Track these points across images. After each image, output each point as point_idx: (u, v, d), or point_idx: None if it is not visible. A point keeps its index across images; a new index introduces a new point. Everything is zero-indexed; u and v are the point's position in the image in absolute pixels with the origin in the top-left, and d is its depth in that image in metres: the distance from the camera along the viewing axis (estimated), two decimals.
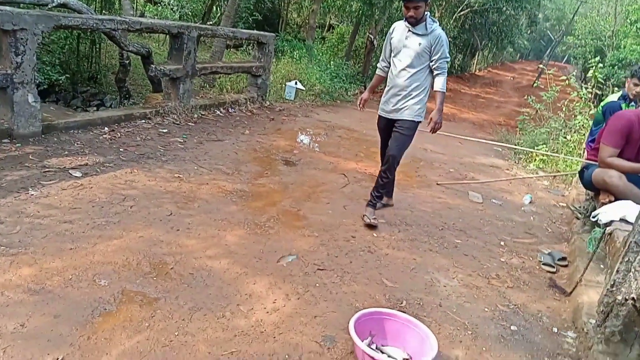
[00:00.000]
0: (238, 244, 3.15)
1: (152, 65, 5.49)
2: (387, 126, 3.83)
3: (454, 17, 17.01)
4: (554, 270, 3.59)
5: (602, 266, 3.35)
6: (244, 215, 3.61)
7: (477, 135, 9.08)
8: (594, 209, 4.03)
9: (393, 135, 3.71)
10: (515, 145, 7.61)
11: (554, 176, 5.98)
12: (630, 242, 2.36)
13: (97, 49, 10.67)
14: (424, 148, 6.76)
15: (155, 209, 3.42)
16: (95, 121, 4.85)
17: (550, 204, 5.23)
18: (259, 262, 2.98)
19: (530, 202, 5.10)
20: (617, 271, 2.43)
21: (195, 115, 5.96)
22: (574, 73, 12.40)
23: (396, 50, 3.54)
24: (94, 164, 4.00)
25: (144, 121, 5.32)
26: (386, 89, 3.73)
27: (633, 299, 2.27)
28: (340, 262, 3.18)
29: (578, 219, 4.47)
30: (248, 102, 7.07)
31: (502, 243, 3.97)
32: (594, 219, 3.24)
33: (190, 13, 14.62)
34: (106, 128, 4.88)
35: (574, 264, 3.59)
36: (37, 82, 4.47)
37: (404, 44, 3.43)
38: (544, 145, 7.29)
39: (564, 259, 3.76)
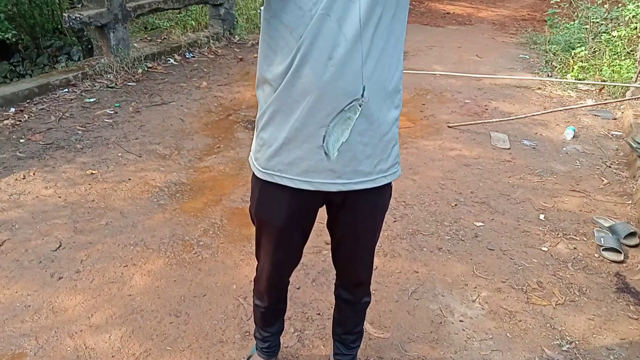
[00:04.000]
0: (149, 291, 2.13)
1: (64, 14, 4.25)
2: (305, 212, 1.37)
3: None
4: (621, 258, 2.48)
5: None
6: (171, 229, 2.56)
7: (498, 41, 7.57)
8: None
9: (349, 237, 1.43)
10: (583, 79, 6.16)
11: (606, 103, 4.64)
12: None
13: None
14: (431, 71, 5.42)
15: (38, 242, 2.39)
16: None
17: (599, 135, 3.98)
18: (172, 326, 1.97)
19: (573, 137, 3.86)
20: None
21: (140, 71, 4.75)
22: None
23: None
24: None
25: (66, 90, 4.17)
26: (274, 106, 1.23)
27: None
28: (305, 297, 2.15)
29: None
30: (211, 41, 5.76)
31: (541, 217, 2.83)
32: None
33: None
34: (12, 109, 3.77)
35: None
36: None
37: None
38: (582, 48, 5.83)
39: (632, 234, 2.62)
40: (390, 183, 1.35)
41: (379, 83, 1.17)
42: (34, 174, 2.97)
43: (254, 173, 1.35)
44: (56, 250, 2.35)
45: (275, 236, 1.41)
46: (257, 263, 1.55)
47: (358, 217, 1.37)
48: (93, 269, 2.24)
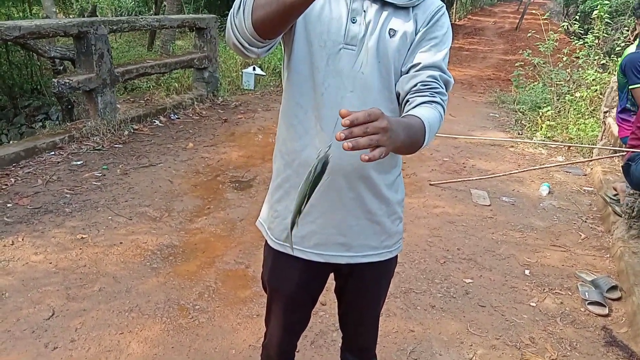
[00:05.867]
0: (147, 358, 2.11)
1: (54, 80, 4.32)
2: (316, 281, 1.43)
3: None
4: (606, 312, 2.57)
5: None
6: (166, 293, 2.55)
7: (468, 100, 7.97)
8: None
9: (356, 304, 1.48)
10: (568, 142, 6.51)
11: (575, 162, 4.92)
12: None
13: (30, 56, 9.35)
14: None
15: (30, 311, 2.35)
16: None
17: (572, 191, 4.19)
18: None
19: (548, 193, 4.06)
20: None
21: (126, 132, 4.82)
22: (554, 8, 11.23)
23: (319, 54, 1.19)
24: None
25: (52, 153, 4.18)
26: (283, 176, 1.33)
27: None
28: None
29: (618, 214, 3.44)
30: (195, 103, 5.90)
31: (526, 272, 2.94)
32: None
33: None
34: None
35: (631, 299, 2.58)
36: None
37: (349, 34, 1.17)
38: (549, 107, 6.20)
39: (614, 288, 2.74)
40: (396, 255, 1.43)
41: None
42: (22, 239, 2.94)
43: (266, 242, 1.41)
44: (49, 318, 2.30)
45: (286, 303, 1.45)
46: (265, 329, 1.57)
47: (365, 286, 1.43)
48: (88, 337, 2.20)
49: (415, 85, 1.16)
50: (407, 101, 1.17)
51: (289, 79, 1.25)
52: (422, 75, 1.16)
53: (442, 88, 1.17)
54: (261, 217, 1.46)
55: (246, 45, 1.05)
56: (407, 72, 1.19)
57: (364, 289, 1.45)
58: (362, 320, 1.54)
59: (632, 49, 3.34)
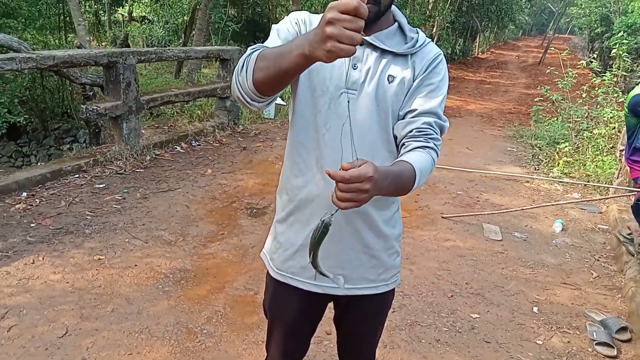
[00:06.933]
0: None
1: (82, 106, 4.54)
2: (314, 310, 1.50)
3: (449, 1, 15.88)
4: (614, 353, 2.54)
5: None
6: (175, 316, 2.62)
7: (487, 133, 8.00)
8: None
9: (353, 334, 1.56)
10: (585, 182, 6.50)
11: (591, 200, 4.89)
12: None
13: (63, 81, 9.74)
14: None
15: (45, 328, 2.44)
16: (9, 187, 3.89)
17: (586, 228, 4.15)
18: None
19: (562, 230, 4.04)
20: None
21: (148, 158, 4.98)
22: (579, 43, 11.29)
23: (322, 98, 1.27)
24: None
25: (77, 176, 4.36)
26: (291, 207, 1.40)
27: None
28: None
29: (631, 254, 3.41)
30: (216, 131, 6.08)
31: (535, 309, 2.92)
32: None
33: (173, 28, 13.77)
34: (24, 193, 3.92)
35: None
36: None
37: (350, 80, 1.25)
38: (566, 143, 6.19)
39: (624, 329, 2.71)
40: (393, 288, 1.48)
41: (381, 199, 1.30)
42: (43, 258, 3.06)
43: (268, 272, 1.48)
44: (62, 337, 2.39)
45: (286, 329, 1.52)
46: (266, 355, 1.63)
47: (362, 317, 1.49)
48: (98, 356, 2.28)
49: (411, 131, 1.24)
50: (403, 144, 1.25)
51: (293, 121, 1.34)
52: (418, 122, 1.23)
53: (436, 134, 1.25)
54: (265, 248, 1.54)
55: (248, 100, 1.16)
56: (403, 118, 1.27)
57: (361, 320, 1.50)
58: (360, 349, 1.59)
59: (638, 89, 3.32)
